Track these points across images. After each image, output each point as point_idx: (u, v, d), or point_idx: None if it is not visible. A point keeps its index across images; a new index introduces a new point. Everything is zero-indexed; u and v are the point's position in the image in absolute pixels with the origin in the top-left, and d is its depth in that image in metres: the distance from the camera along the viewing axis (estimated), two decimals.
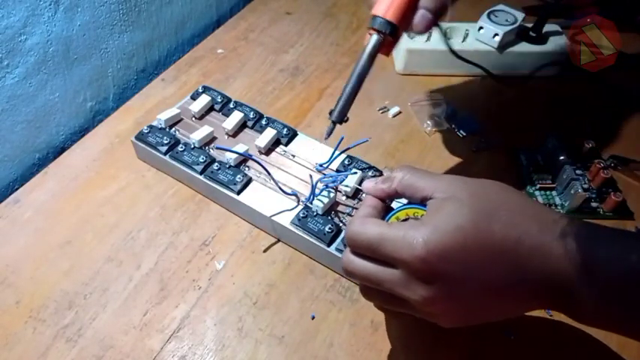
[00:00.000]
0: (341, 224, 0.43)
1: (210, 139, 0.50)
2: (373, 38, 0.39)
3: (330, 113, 0.40)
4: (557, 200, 0.49)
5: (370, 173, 0.46)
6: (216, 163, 0.46)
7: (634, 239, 0.29)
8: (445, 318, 0.31)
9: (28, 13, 0.46)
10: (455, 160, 0.53)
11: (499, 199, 0.30)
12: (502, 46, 0.59)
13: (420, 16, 0.38)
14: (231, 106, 0.52)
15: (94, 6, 0.52)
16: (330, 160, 0.46)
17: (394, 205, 0.35)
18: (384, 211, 0.34)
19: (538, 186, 0.50)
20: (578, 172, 0.51)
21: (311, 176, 0.44)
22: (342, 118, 0.40)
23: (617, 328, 0.30)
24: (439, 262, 0.27)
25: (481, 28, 0.59)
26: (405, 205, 0.33)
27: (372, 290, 0.33)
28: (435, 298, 0.28)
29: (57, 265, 0.42)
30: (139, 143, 0.49)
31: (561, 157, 0.50)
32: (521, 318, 0.39)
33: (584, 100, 0.60)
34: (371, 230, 0.30)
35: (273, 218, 0.43)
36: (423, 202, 0.32)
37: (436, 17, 0.39)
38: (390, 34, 0.38)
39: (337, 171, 0.47)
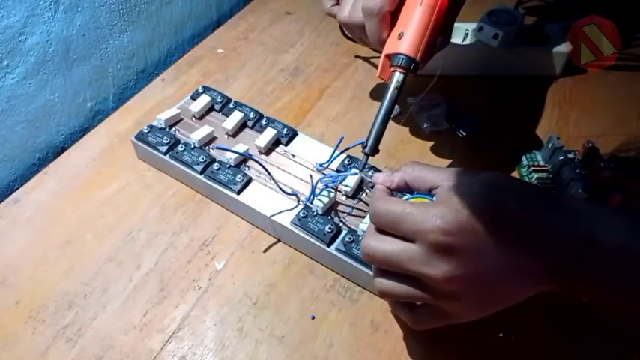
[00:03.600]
0: (341, 224, 0.43)
1: (210, 139, 0.50)
2: (398, 76, 0.42)
3: (364, 146, 0.42)
4: None
5: (370, 173, 0.46)
6: (216, 163, 0.46)
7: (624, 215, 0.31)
8: (462, 301, 0.31)
9: (28, 13, 0.46)
10: (455, 160, 0.53)
11: (505, 182, 0.32)
12: (502, 46, 0.59)
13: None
14: (231, 106, 0.52)
15: (94, 6, 0.52)
16: (330, 160, 0.46)
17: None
18: None
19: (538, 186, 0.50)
20: (578, 172, 0.51)
21: (311, 176, 0.44)
22: (374, 150, 0.42)
23: (616, 303, 0.32)
24: (458, 233, 0.29)
25: (481, 28, 0.59)
26: (413, 195, 0.34)
27: (389, 277, 0.33)
28: (454, 272, 0.29)
29: (57, 265, 0.42)
30: (139, 143, 0.49)
31: (561, 157, 0.50)
32: (521, 318, 0.39)
33: (584, 100, 0.60)
34: (395, 206, 0.31)
35: (273, 218, 0.43)
36: (430, 192, 0.33)
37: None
38: (412, 71, 0.42)
39: (337, 171, 0.47)
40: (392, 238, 0.32)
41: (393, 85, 0.41)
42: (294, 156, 0.49)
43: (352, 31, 0.49)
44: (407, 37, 0.41)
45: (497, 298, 0.32)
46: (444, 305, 0.32)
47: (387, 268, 0.33)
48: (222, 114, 0.52)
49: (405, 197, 0.34)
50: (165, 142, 0.48)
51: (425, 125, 0.56)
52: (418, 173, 0.34)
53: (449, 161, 0.53)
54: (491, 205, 0.29)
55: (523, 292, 0.31)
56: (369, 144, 0.41)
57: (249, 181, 0.46)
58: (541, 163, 0.53)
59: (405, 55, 0.41)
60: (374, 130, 0.41)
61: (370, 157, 0.42)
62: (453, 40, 0.61)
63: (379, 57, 0.47)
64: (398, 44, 0.42)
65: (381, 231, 0.33)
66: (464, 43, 0.61)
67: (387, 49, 0.43)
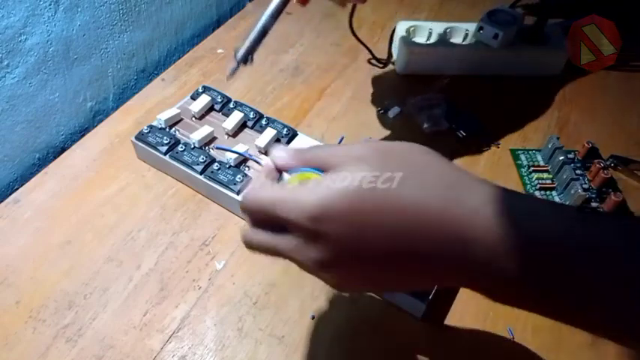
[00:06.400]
0: None
1: (210, 139, 0.50)
2: None
3: (235, 54, 0.39)
4: (557, 200, 0.49)
5: None
6: (216, 163, 0.46)
7: (564, 209, 0.26)
8: (340, 283, 0.29)
9: (28, 13, 0.46)
10: (455, 160, 0.53)
11: (413, 163, 0.27)
12: (502, 46, 0.59)
13: None
14: (231, 106, 0.52)
15: (94, 6, 0.52)
16: None
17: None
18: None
19: (538, 186, 0.50)
20: (578, 172, 0.51)
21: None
22: (246, 58, 0.39)
23: (539, 308, 0.27)
24: (329, 221, 0.25)
25: (481, 28, 0.59)
26: (303, 168, 0.30)
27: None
28: (326, 261, 0.26)
29: (57, 265, 0.42)
30: (139, 143, 0.49)
31: (561, 157, 0.50)
32: (522, 318, 0.39)
33: (584, 100, 0.60)
34: (264, 195, 0.28)
35: None
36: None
37: None
38: None
39: None
40: (266, 228, 0.29)
41: None
42: None
43: None
44: None
45: (381, 284, 0.30)
46: (325, 281, 0.29)
47: (269, 256, 0.30)
48: (222, 114, 0.52)
49: (293, 173, 0.30)
50: (166, 142, 0.48)
51: (425, 125, 0.56)
52: (317, 152, 0.29)
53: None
54: (377, 190, 0.25)
55: (417, 283, 0.28)
56: (242, 50, 0.39)
57: (249, 181, 0.46)
58: (541, 163, 0.53)
59: None
60: (251, 37, 0.39)
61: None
62: (452, 40, 0.61)
63: (378, 59, 0.46)
64: None
65: (257, 219, 0.30)
66: (464, 43, 0.61)
67: None
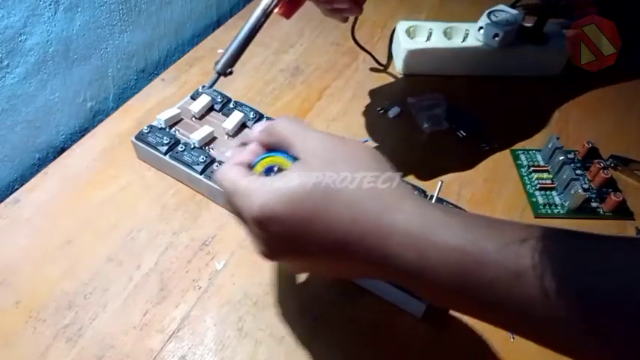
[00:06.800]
0: None
1: (210, 139, 0.50)
2: None
3: (216, 64, 0.39)
4: (557, 200, 0.49)
5: None
6: (216, 163, 0.46)
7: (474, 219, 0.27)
8: (290, 269, 0.34)
9: (28, 13, 0.46)
10: (455, 160, 0.53)
11: (359, 165, 0.28)
12: (502, 46, 0.59)
13: None
14: (231, 106, 0.52)
15: (94, 6, 0.52)
16: None
17: None
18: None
19: (538, 186, 0.50)
20: (578, 172, 0.51)
21: None
22: (226, 70, 0.39)
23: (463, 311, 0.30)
24: (270, 224, 0.28)
25: (481, 28, 0.59)
26: (274, 152, 0.31)
27: None
28: (270, 254, 0.30)
29: (57, 265, 0.42)
30: (139, 143, 0.49)
31: (561, 157, 0.50)
32: None
33: (584, 100, 0.60)
34: (228, 180, 0.30)
35: None
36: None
37: None
38: None
39: None
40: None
41: (262, 3, 0.40)
42: None
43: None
44: None
45: (324, 273, 0.34)
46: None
47: None
48: (222, 114, 0.52)
49: (262, 155, 0.31)
50: (165, 142, 0.48)
51: (425, 125, 0.56)
52: (284, 137, 0.30)
53: (449, 161, 0.53)
54: (315, 202, 0.27)
55: (355, 276, 0.33)
56: (222, 62, 0.39)
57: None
58: (541, 163, 0.53)
59: None
60: (230, 49, 0.39)
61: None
62: (452, 40, 0.61)
63: (379, 63, 0.46)
64: None
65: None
66: (464, 43, 0.61)
67: None
